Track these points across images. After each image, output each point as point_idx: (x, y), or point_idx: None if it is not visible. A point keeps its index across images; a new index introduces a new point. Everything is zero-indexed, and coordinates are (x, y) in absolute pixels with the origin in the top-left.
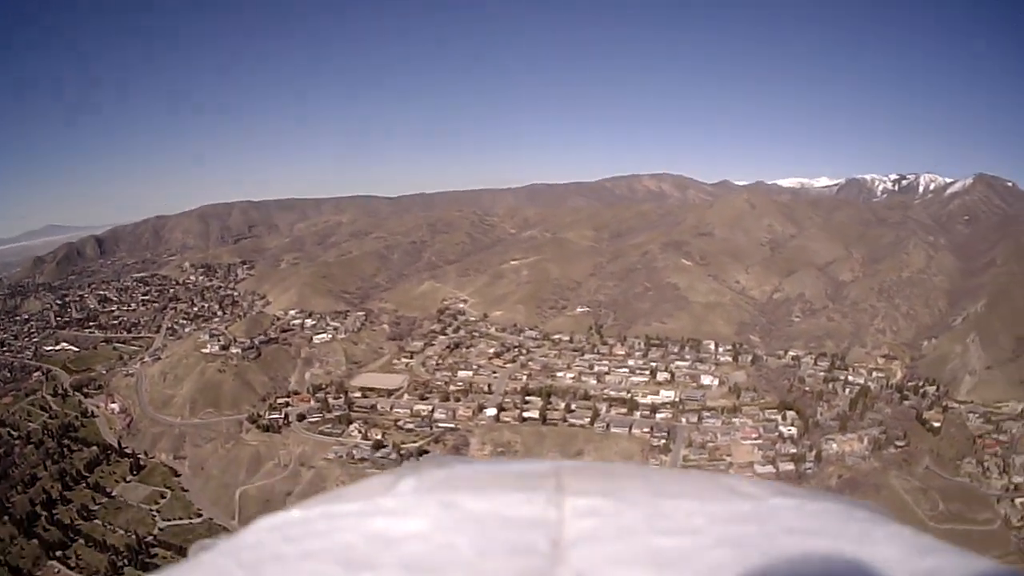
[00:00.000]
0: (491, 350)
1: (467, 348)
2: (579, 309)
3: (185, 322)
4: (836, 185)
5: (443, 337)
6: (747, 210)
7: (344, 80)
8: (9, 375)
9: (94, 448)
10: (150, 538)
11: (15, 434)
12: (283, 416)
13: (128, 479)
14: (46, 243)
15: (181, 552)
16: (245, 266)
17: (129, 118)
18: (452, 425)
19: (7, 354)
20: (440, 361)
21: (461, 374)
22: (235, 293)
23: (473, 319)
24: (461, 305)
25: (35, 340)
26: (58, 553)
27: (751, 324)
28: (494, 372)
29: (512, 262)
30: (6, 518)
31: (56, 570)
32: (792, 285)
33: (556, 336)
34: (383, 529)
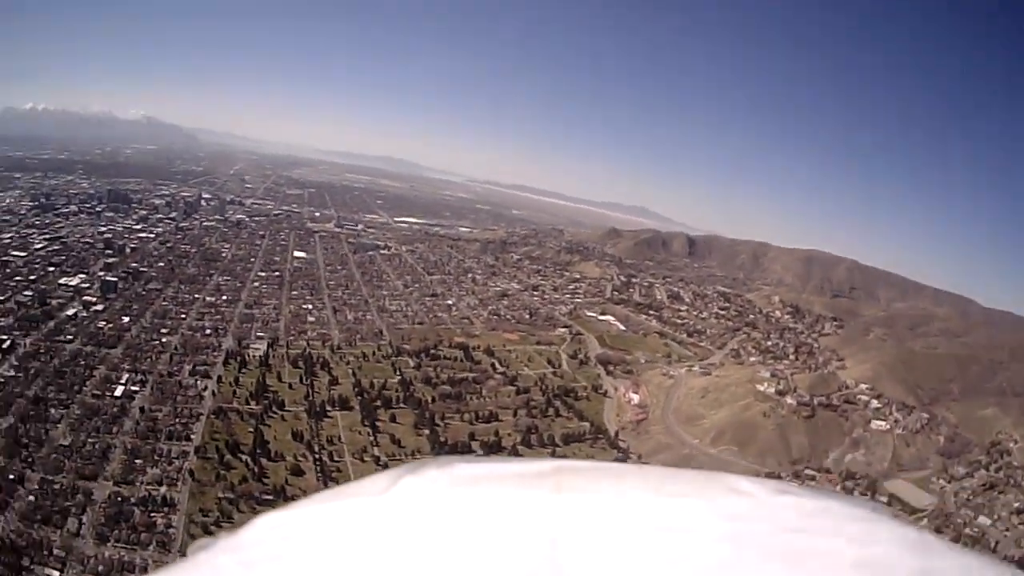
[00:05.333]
0: (1015, 504)
1: (999, 492)
2: None
3: (753, 351)
4: None
5: (984, 472)
6: None
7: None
8: (528, 317)
9: (585, 424)
10: None
11: (498, 367)
12: None
13: None
14: (628, 220)
15: None
16: (835, 322)
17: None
18: None
19: (548, 306)
20: (971, 497)
21: (981, 519)
22: (814, 344)
23: (1016, 464)
24: (1011, 445)
25: (577, 300)
26: None
27: None
28: (1006, 530)
29: None
30: (426, 427)
31: None
32: None
33: None
34: (383, 529)
